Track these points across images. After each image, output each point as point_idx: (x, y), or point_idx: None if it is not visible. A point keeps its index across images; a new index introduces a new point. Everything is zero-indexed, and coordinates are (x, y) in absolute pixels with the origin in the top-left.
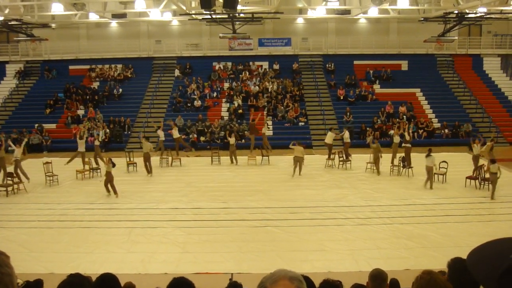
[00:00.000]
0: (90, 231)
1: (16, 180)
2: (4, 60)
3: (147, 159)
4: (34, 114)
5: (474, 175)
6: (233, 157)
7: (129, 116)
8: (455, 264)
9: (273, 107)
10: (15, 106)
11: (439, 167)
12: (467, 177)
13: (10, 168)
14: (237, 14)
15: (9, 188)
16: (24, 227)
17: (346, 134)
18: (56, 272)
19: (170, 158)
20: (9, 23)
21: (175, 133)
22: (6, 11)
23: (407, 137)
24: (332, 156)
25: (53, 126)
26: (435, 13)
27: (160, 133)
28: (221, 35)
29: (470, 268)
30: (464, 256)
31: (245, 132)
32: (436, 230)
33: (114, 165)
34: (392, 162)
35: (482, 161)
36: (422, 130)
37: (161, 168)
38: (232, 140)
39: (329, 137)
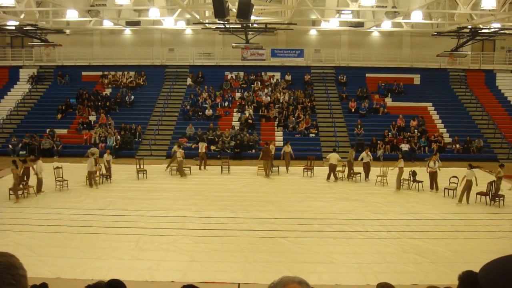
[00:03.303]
0: (98, 237)
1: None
2: (18, 65)
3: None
4: (46, 118)
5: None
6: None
7: (140, 123)
8: (466, 277)
9: (284, 118)
10: (28, 110)
11: (450, 182)
12: (477, 193)
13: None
14: (250, 24)
15: (19, 192)
16: (33, 231)
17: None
18: (63, 277)
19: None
20: (24, 28)
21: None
22: (22, 16)
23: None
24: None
25: (64, 131)
26: (449, 27)
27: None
28: (234, 44)
29: (482, 282)
30: None
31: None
32: (446, 246)
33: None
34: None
35: (493, 177)
36: (434, 144)
37: (171, 176)
38: (201, 148)
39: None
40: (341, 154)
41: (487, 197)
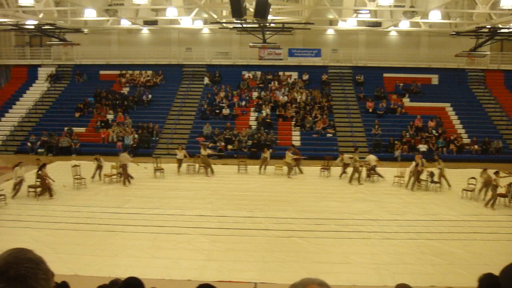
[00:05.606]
0: (116, 234)
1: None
2: (36, 64)
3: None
4: (64, 117)
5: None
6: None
7: (158, 122)
8: (486, 279)
9: (301, 118)
10: (46, 108)
11: (468, 184)
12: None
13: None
14: (267, 24)
15: (38, 190)
16: (51, 229)
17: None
18: (81, 274)
19: (197, 165)
20: (43, 27)
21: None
22: (40, 15)
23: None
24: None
25: (82, 129)
26: (467, 27)
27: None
28: (251, 44)
29: (503, 284)
30: None
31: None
32: (464, 247)
33: None
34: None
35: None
36: (452, 144)
37: (188, 175)
38: (180, 155)
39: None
40: (360, 154)
41: (506, 198)
